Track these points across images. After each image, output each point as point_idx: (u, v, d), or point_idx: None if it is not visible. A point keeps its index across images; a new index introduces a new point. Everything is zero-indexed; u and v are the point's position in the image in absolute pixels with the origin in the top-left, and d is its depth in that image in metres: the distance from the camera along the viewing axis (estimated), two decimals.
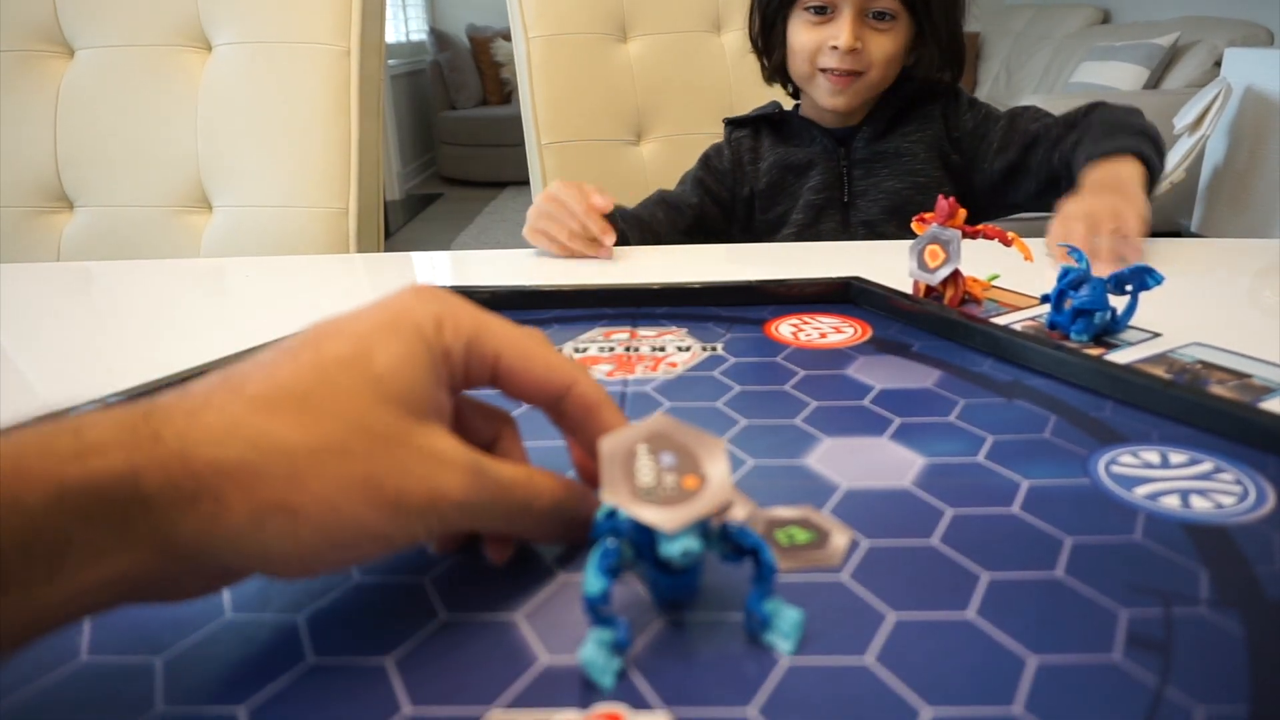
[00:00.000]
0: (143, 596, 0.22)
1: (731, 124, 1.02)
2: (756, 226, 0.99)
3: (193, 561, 0.22)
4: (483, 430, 0.30)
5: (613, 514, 0.26)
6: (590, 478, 0.32)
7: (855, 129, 0.97)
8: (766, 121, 1.00)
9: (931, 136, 0.95)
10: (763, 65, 1.00)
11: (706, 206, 0.97)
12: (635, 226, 0.88)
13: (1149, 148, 0.79)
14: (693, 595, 0.28)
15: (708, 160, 1.01)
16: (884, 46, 0.90)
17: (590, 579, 0.24)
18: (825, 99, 0.93)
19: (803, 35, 0.92)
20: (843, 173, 0.96)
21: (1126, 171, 0.76)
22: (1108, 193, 0.72)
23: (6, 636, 0.20)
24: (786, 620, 0.26)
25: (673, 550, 0.24)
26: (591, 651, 0.25)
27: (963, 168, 0.96)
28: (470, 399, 0.31)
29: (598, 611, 0.24)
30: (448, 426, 0.26)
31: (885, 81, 0.93)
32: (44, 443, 0.20)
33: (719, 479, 0.25)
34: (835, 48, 0.89)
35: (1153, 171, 0.77)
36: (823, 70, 0.92)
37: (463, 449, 0.26)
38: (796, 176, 0.96)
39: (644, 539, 0.25)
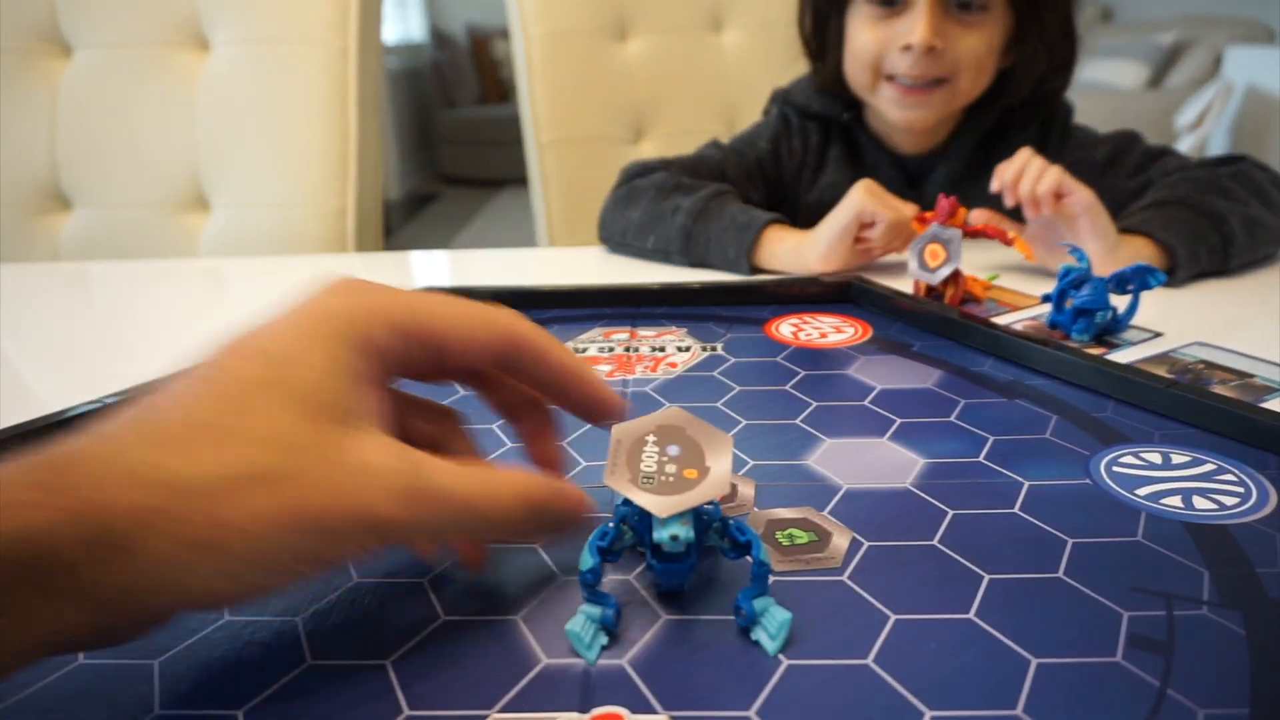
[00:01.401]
0: (79, 648, 0.22)
1: (801, 114, 0.82)
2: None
3: (122, 609, 0.21)
4: (426, 430, 0.29)
5: (628, 500, 0.27)
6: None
7: (930, 165, 0.79)
8: (839, 126, 0.81)
9: None
10: (815, 72, 0.83)
11: (752, 195, 0.81)
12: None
13: (1205, 245, 0.61)
14: (684, 583, 0.28)
15: (778, 148, 0.82)
16: (973, 46, 0.69)
17: (584, 555, 0.26)
18: (893, 112, 0.73)
19: (865, 33, 0.72)
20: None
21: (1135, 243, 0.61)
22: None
23: None
24: (774, 620, 0.26)
25: (663, 535, 0.25)
26: (578, 624, 0.25)
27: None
28: (411, 397, 0.30)
29: (589, 588, 0.26)
30: (387, 428, 0.25)
31: (972, 93, 0.72)
32: None
33: (719, 473, 0.25)
34: (908, 48, 0.69)
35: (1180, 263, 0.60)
36: (890, 78, 0.72)
37: (398, 458, 0.24)
38: None
39: (644, 525, 0.26)
